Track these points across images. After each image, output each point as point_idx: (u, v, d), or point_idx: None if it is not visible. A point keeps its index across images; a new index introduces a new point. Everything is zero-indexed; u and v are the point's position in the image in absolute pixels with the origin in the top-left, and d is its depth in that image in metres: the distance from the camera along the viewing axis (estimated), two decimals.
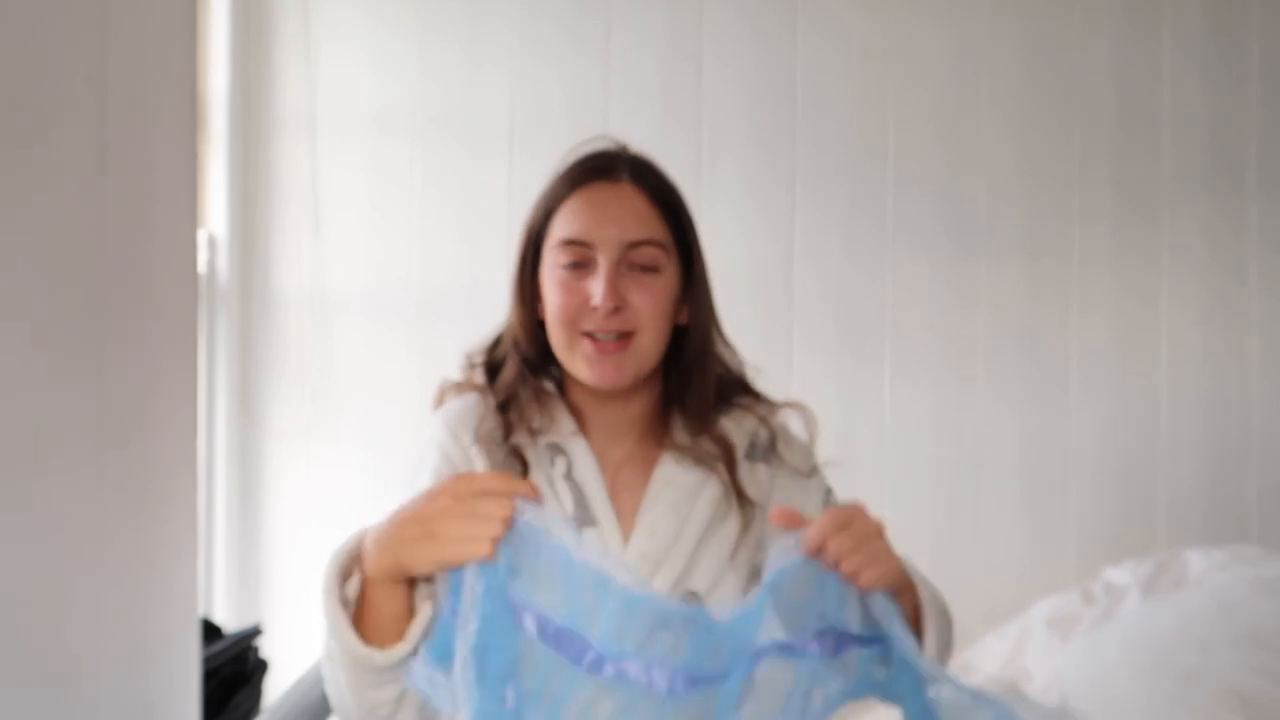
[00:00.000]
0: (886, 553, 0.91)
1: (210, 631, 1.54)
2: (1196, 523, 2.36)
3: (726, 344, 1.23)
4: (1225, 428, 2.39)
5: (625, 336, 1.11)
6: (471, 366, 1.23)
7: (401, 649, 0.89)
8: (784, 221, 2.40)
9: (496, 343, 1.23)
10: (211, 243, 2.37)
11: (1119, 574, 2.10)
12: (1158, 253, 2.40)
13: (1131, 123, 2.41)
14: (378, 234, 2.43)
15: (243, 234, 2.42)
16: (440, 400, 1.23)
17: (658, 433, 1.17)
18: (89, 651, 0.87)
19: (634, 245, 1.11)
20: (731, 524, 1.13)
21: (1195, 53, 2.40)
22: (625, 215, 1.12)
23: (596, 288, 1.09)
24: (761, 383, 1.26)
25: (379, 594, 0.89)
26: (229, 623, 2.11)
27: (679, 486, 1.12)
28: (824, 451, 1.22)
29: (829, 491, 1.19)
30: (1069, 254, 2.40)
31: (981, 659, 2.04)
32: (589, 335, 1.11)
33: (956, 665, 2.08)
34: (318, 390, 2.42)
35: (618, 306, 1.09)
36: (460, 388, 1.22)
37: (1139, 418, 2.39)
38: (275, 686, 1.54)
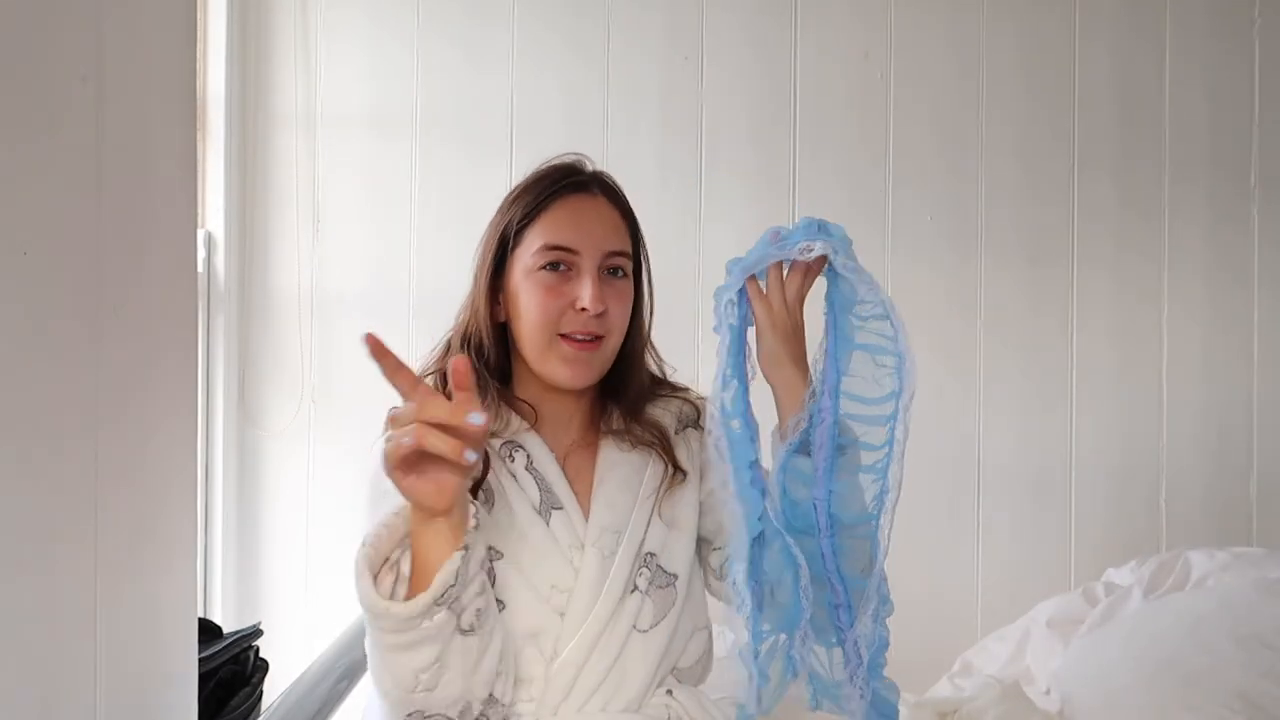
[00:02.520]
0: None
1: (209, 631, 1.54)
2: (1198, 523, 2.36)
3: (652, 346, 1.33)
4: (1227, 428, 2.39)
5: (598, 338, 1.18)
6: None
7: (422, 599, 0.93)
8: (783, 220, 2.39)
9: (446, 350, 1.27)
10: (210, 242, 2.36)
11: (1121, 574, 2.10)
12: (1158, 253, 2.40)
13: (1132, 123, 2.40)
14: (376, 234, 2.43)
15: (241, 233, 2.42)
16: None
17: (596, 421, 1.27)
18: (87, 651, 0.87)
19: (611, 254, 1.19)
20: (673, 493, 1.25)
21: (1196, 53, 2.40)
22: (605, 226, 1.20)
23: (585, 292, 1.16)
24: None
25: (426, 539, 0.94)
26: (228, 623, 2.11)
27: (624, 465, 1.23)
28: None
29: None
30: (1069, 255, 2.40)
31: (983, 660, 2.04)
32: (567, 336, 1.17)
33: (958, 667, 2.07)
34: (316, 390, 2.42)
35: (602, 310, 1.17)
36: None
37: (1140, 418, 2.39)
38: (275, 687, 1.54)
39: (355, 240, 2.43)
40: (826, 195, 2.40)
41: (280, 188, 2.43)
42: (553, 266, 1.17)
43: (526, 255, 1.19)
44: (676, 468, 1.25)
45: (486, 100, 2.41)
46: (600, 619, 1.14)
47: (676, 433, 1.29)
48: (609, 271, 1.19)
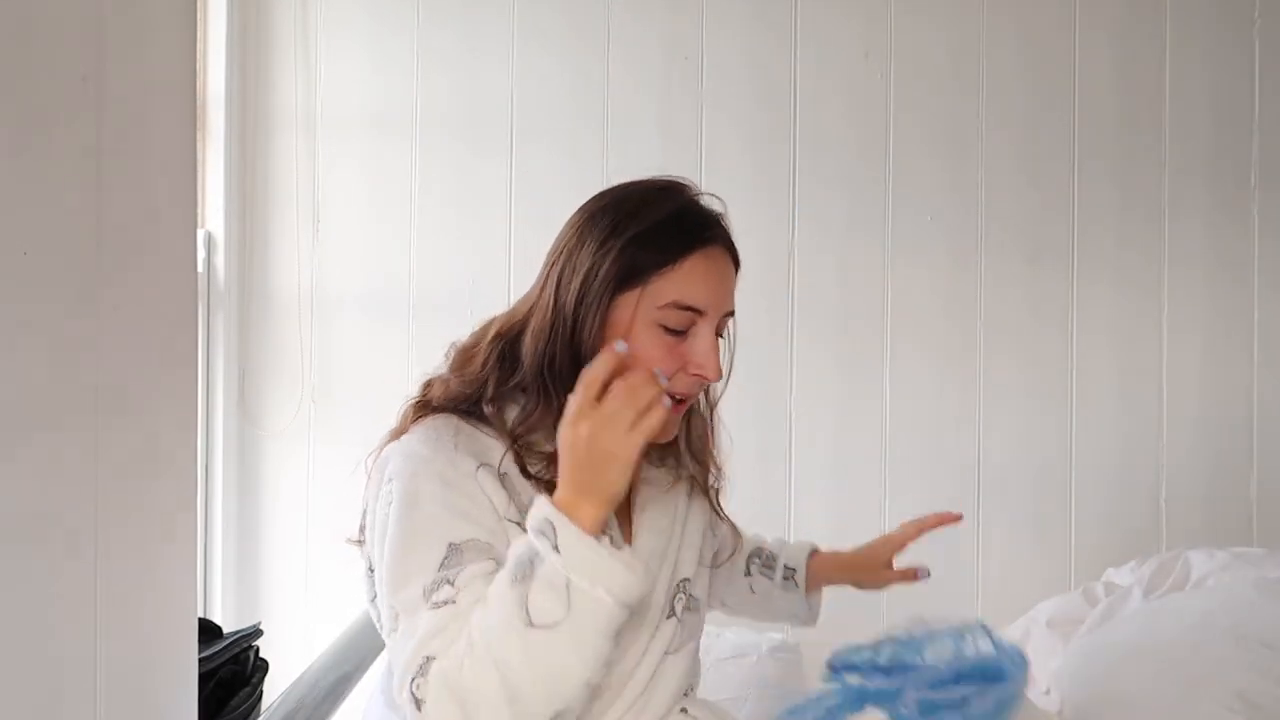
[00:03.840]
0: None
1: (209, 631, 1.54)
2: (1198, 523, 2.36)
3: None
4: (1227, 428, 2.39)
5: (688, 398, 1.12)
6: (442, 383, 1.15)
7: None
8: (783, 218, 2.40)
9: (505, 360, 1.12)
10: (210, 242, 2.36)
11: (1121, 574, 2.10)
12: (1159, 251, 2.40)
13: (1132, 122, 2.40)
14: (377, 232, 2.43)
15: (241, 233, 2.42)
16: (406, 424, 1.14)
17: None
18: (87, 651, 0.87)
19: (727, 315, 1.13)
20: (699, 515, 1.24)
21: (1196, 52, 2.40)
22: (729, 287, 1.13)
23: (709, 360, 1.08)
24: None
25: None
26: (228, 623, 2.11)
27: (660, 489, 1.19)
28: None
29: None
30: (1070, 250, 2.40)
31: None
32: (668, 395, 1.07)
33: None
34: (316, 390, 2.42)
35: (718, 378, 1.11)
36: (430, 408, 1.14)
37: (1140, 417, 2.39)
38: (275, 687, 1.54)
39: (355, 240, 2.43)
40: (826, 194, 2.39)
41: (280, 188, 2.43)
42: (679, 327, 1.08)
43: (652, 304, 1.07)
44: (717, 512, 1.24)
45: (486, 100, 2.41)
46: (640, 647, 1.12)
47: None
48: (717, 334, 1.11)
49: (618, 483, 0.95)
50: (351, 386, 2.41)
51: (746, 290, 2.39)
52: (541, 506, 0.96)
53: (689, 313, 1.07)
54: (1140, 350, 2.39)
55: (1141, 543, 2.32)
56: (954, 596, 2.36)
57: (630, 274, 1.07)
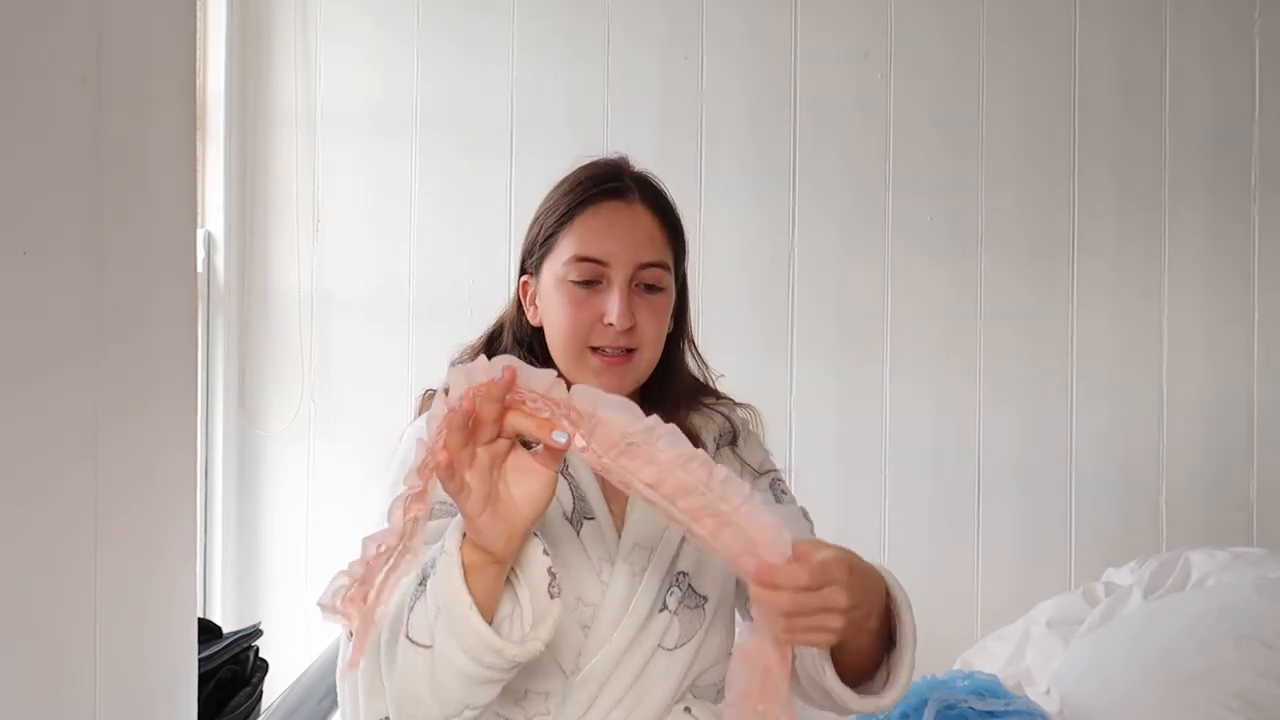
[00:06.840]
0: (833, 623, 0.90)
1: (209, 631, 1.54)
2: (1198, 523, 2.36)
3: (696, 352, 1.30)
4: (1227, 427, 2.39)
5: (629, 351, 1.16)
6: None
7: (536, 647, 0.91)
8: (783, 219, 2.40)
9: (490, 341, 1.25)
10: (210, 242, 2.36)
11: (1121, 574, 2.10)
12: (1159, 250, 2.40)
13: (1133, 122, 2.40)
14: (376, 233, 2.42)
15: (241, 233, 2.41)
16: (424, 410, 1.22)
17: None
18: (86, 651, 0.87)
19: (644, 266, 1.16)
20: None
21: (1196, 51, 2.40)
22: (639, 236, 1.17)
23: (612, 306, 1.13)
24: (733, 385, 1.34)
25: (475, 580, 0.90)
26: (228, 623, 2.11)
27: None
28: (782, 448, 1.29)
29: (776, 483, 1.29)
30: (1070, 251, 2.40)
31: (983, 660, 2.04)
32: (597, 350, 1.15)
33: (958, 666, 2.07)
34: (316, 390, 2.42)
35: (630, 325, 1.14)
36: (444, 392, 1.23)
37: (1140, 416, 2.39)
38: (275, 687, 1.54)
39: (355, 240, 2.43)
40: (828, 189, 2.39)
41: (280, 188, 2.43)
42: (582, 279, 1.14)
43: (557, 263, 1.16)
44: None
45: (487, 99, 2.41)
46: (626, 636, 1.11)
47: (717, 447, 1.26)
48: (643, 286, 1.16)
49: (505, 548, 0.89)
50: (351, 386, 2.41)
51: (746, 290, 2.40)
52: (454, 532, 0.91)
53: (590, 264, 1.14)
54: (1140, 350, 2.39)
55: (1141, 543, 2.33)
56: (954, 596, 2.36)
57: (545, 240, 1.18)
